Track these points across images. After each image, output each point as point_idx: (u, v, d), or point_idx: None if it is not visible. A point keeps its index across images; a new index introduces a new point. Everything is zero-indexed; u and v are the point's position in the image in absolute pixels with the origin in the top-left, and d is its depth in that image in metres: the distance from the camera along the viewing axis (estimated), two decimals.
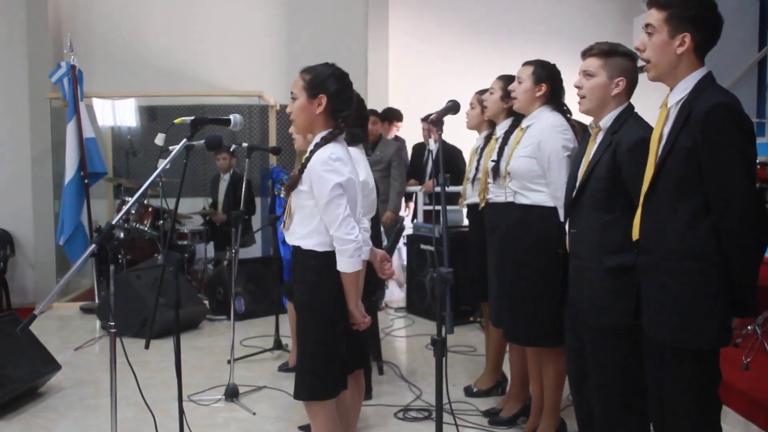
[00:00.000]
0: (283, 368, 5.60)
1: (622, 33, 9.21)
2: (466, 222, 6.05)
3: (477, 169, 4.78)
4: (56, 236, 7.82)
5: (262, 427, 4.49)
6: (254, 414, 4.68)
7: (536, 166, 3.86)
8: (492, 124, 4.80)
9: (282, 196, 7.53)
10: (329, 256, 3.03)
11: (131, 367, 3.48)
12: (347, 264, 3.00)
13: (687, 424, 2.77)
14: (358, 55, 9.25)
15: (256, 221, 8.78)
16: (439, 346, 2.81)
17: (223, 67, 9.18)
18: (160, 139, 5.24)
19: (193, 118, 3.04)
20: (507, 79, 4.40)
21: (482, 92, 4.82)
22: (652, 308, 2.82)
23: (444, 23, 9.60)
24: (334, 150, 3.03)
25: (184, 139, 2.99)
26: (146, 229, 7.95)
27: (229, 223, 8.37)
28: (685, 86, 2.76)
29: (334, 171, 2.97)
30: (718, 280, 2.66)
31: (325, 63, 3.15)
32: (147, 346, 4.12)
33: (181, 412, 3.97)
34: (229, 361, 5.76)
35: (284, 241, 7.62)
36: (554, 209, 3.83)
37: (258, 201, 8.88)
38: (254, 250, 8.80)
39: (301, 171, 3.05)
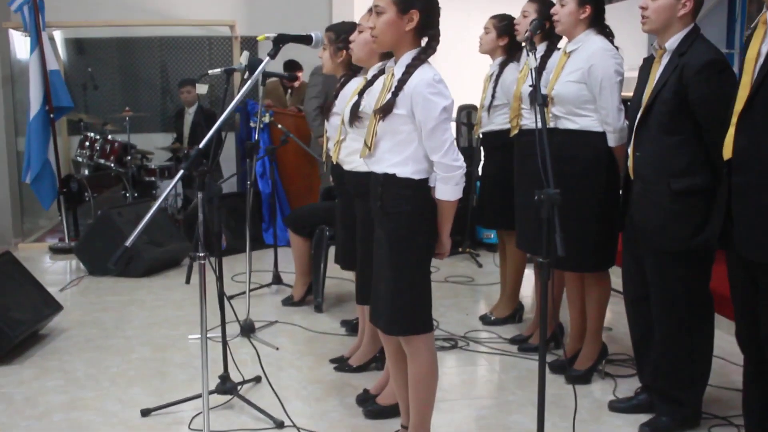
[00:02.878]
0: (288, 302, 5.49)
1: None
2: None
3: (493, 96, 4.71)
4: (21, 174, 7.41)
5: (290, 362, 4.39)
6: (277, 349, 4.57)
7: (585, 91, 3.80)
8: (506, 50, 4.73)
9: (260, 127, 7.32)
10: (424, 185, 2.90)
11: None
12: (451, 192, 2.87)
13: None
14: None
15: (229, 156, 8.52)
16: (546, 270, 2.76)
17: None
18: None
19: (276, 35, 2.84)
20: (541, 3, 4.31)
21: (497, 17, 4.73)
22: (746, 228, 2.81)
23: None
24: (434, 71, 2.87)
25: (267, 57, 2.80)
26: (112, 165, 7.63)
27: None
28: None
29: (440, 94, 2.80)
30: None
31: None
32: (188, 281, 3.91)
33: (225, 344, 3.81)
34: (231, 297, 5.65)
35: (262, 175, 7.51)
36: (603, 134, 3.79)
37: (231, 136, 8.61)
38: (225, 186, 8.56)
39: (395, 94, 2.87)
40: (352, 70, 3.90)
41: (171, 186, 2.74)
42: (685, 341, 3.39)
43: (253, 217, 7.44)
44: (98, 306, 5.51)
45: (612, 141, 3.79)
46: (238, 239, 7.17)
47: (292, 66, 8.28)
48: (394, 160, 2.90)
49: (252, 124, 7.39)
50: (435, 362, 3.07)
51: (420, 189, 2.90)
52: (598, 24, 3.89)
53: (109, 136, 7.67)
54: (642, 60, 3.58)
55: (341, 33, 3.86)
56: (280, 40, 2.86)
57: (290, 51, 8.55)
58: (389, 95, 2.89)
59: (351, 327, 4.87)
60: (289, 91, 8.45)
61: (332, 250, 5.33)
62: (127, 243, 2.57)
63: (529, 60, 2.87)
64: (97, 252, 6.28)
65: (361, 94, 3.24)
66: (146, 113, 8.33)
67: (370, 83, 3.24)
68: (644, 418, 3.55)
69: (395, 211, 2.92)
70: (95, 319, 5.21)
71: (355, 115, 3.21)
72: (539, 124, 2.83)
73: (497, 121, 4.72)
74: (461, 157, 2.87)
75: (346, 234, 3.98)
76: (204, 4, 8.75)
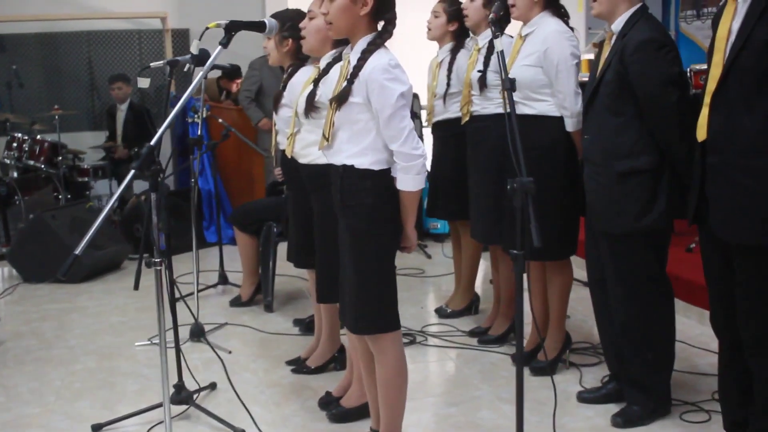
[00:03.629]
0: (236, 303, 5.30)
1: None
2: None
3: (448, 84, 4.59)
4: None
5: (245, 365, 4.22)
6: (230, 353, 4.39)
7: (542, 75, 3.71)
8: (456, 36, 4.62)
9: (197, 122, 7.09)
10: (385, 175, 2.77)
11: None
12: (413, 182, 2.74)
13: (763, 321, 2.75)
14: None
15: (163, 153, 8.22)
16: (520, 262, 2.65)
17: None
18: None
19: (228, 21, 2.67)
20: None
21: (446, 1, 4.61)
22: (722, 210, 2.74)
23: None
24: (390, 56, 2.74)
25: (219, 47, 2.63)
26: (42, 166, 7.29)
27: (131, 156, 7.87)
28: None
29: (396, 79, 2.68)
30: None
31: None
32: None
33: (178, 350, 3.63)
34: (178, 300, 5.43)
35: (201, 171, 7.28)
36: (560, 119, 3.71)
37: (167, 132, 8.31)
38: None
39: (351, 81, 2.74)
40: (300, 59, 3.73)
41: (123, 186, 2.53)
42: (643, 325, 3.34)
43: (197, 216, 7.23)
44: (36, 315, 5.24)
45: (570, 126, 3.71)
46: (179, 239, 6.95)
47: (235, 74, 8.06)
48: (353, 150, 2.78)
49: (189, 119, 7.15)
50: (403, 361, 2.96)
51: (380, 180, 2.78)
52: (553, 5, 3.80)
53: (38, 136, 7.32)
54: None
55: (287, 21, 3.68)
56: (232, 28, 2.70)
57: (231, 48, 8.38)
58: (345, 83, 2.76)
59: (305, 326, 4.72)
60: (225, 92, 8.21)
61: (281, 247, 5.18)
62: (77, 251, 2.38)
63: (496, 43, 2.75)
64: (31, 258, 6.00)
65: (316, 83, 3.09)
66: (75, 111, 7.99)
67: (325, 71, 3.08)
68: (614, 407, 3.49)
69: (355, 204, 2.79)
70: (34, 329, 4.95)
71: (311, 104, 3.06)
72: (509, 110, 2.70)
73: (453, 109, 4.59)
74: (422, 146, 2.75)
75: (299, 230, 3.81)
76: None
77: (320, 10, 3.10)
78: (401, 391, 2.98)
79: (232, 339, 4.64)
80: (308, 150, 3.32)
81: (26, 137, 7.26)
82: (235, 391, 3.43)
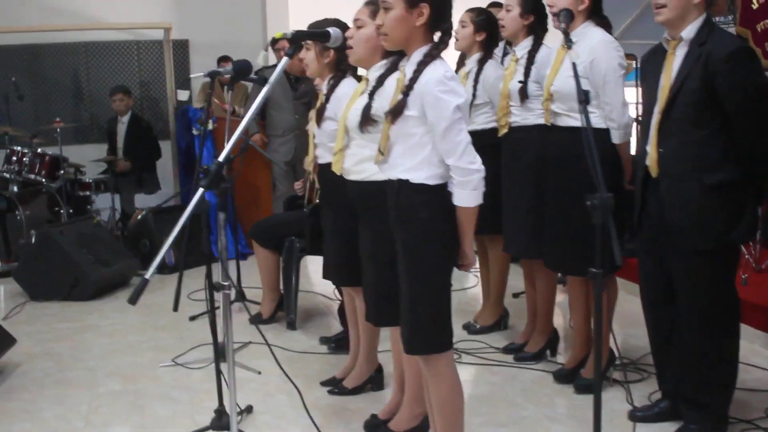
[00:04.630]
0: (258, 321, 5.15)
1: None
2: None
3: (474, 95, 4.48)
4: None
5: (278, 387, 4.07)
6: (260, 373, 4.25)
7: (587, 86, 3.61)
8: (484, 46, 4.52)
9: (203, 130, 6.94)
10: (441, 190, 2.68)
11: None
12: (470, 197, 2.64)
13: None
14: None
15: (164, 166, 8.08)
16: (600, 281, 2.55)
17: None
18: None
19: (293, 32, 2.55)
20: None
21: (473, 10, 4.51)
22: None
23: None
24: (446, 67, 2.66)
25: (285, 58, 2.50)
26: (43, 180, 7.11)
27: (133, 170, 7.72)
28: None
29: (452, 91, 2.59)
30: None
31: None
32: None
33: (219, 372, 3.47)
34: (193, 318, 5.30)
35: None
36: (606, 131, 3.62)
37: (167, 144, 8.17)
38: (161, 198, 8.14)
39: (406, 94, 2.65)
40: (342, 71, 3.61)
41: (192, 204, 2.39)
42: (715, 344, 3.24)
43: (203, 230, 7.06)
44: (48, 335, 5.07)
45: (616, 138, 3.64)
46: (187, 254, 6.79)
47: (228, 61, 7.95)
48: (408, 165, 2.69)
49: (195, 132, 7.00)
50: (458, 381, 2.86)
51: (436, 195, 2.68)
52: (596, 14, 3.72)
53: (39, 150, 7.14)
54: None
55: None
56: (298, 38, 2.57)
57: (222, 49, 8.25)
58: (400, 96, 2.66)
59: (334, 344, 4.58)
60: (225, 87, 8.09)
61: (305, 263, 5.07)
62: (147, 275, 2.23)
63: (571, 54, 2.67)
64: (39, 275, 5.83)
65: (371, 95, 2.97)
66: (74, 124, 7.82)
67: (379, 83, 2.97)
68: (669, 426, 3.41)
69: (410, 219, 2.70)
70: (48, 349, 4.78)
71: (367, 118, 2.94)
72: (584, 124, 2.60)
73: (479, 121, 4.48)
74: (479, 159, 2.65)
75: (341, 248, 3.66)
76: (132, 7, 8.29)
77: (374, 20, 2.99)
78: (458, 410, 2.87)
79: (259, 359, 4.49)
80: (361, 166, 3.16)
81: (26, 150, 7.08)
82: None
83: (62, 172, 7.09)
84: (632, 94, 5.05)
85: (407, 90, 2.64)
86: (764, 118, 3.03)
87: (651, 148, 3.25)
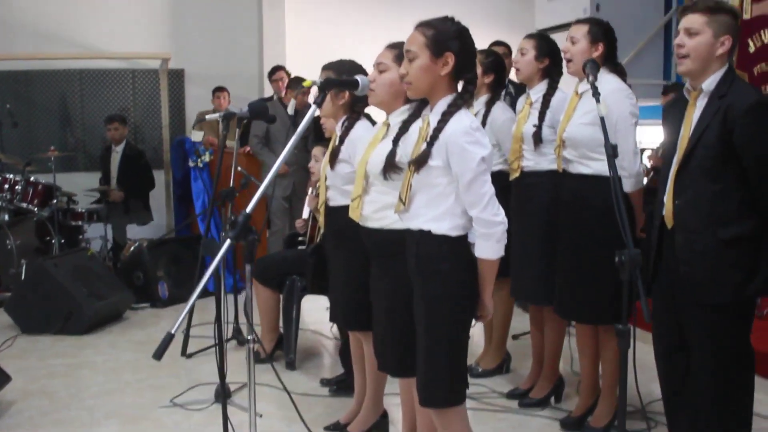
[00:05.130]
0: (255, 360, 5.03)
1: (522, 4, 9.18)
2: None
3: None
4: None
5: (281, 431, 4.00)
6: (261, 416, 4.16)
7: (600, 134, 3.59)
8: (492, 88, 4.50)
9: (197, 166, 6.92)
10: (463, 241, 2.67)
11: None
12: (492, 249, 2.62)
13: None
14: (252, 12, 8.68)
15: (156, 196, 8.01)
16: (626, 338, 2.52)
17: (102, 28, 8.25)
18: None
19: (323, 80, 2.52)
20: (539, 38, 4.13)
21: (481, 52, 4.47)
22: None
23: None
24: (472, 118, 2.64)
25: (314, 106, 2.48)
26: (35, 209, 7.01)
27: (126, 200, 7.63)
28: None
29: (478, 143, 2.58)
30: None
31: (444, 16, 2.72)
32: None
33: (225, 417, 3.39)
34: (189, 356, 5.21)
35: (200, 215, 7.06)
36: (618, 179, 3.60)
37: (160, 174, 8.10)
38: (153, 229, 8.07)
39: (430, 144, 2.62)
40: (356, 113, 3.58)
41: (220, 256, 2.33)
42: (729, 396, 3.20)
43: (195, 264, 6.99)
44: (43, 371, 4.96)
45: (628, 186, 3.63)
46: (180, 288, 6.72)
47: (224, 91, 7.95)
48: (430, 215, 2.67)
49: (191, 164, 6.95)
50: None
51: (458, 246, 2.67)
52: (610, 62, 3.72)
53: (32, 178, 7.05)
54: (662, 101, 3.42)
55: (343, 72, 3.52)
56: (327, 86, 2.56)
57: (217, 79, 8.23)
58: (424, 145, 2.64)
59: (336, 386, 4.52)
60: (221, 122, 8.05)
61: (307, 303, 5.00)
62: (172, 330, 2.17)
63: (599, 107, 2.65)
64: (31, 307, 5.73)
65: (395, 141, 2.94)
66: (70, 153, 7.76)
67: (404, 129, 2.93)
68: None
69: (431, 270, 2.68)
70: (43, 386, 4.68)
71: (392, 164, 2.90)
72: (612, 178, 2.59)
73: None
74: (502, 212, 2.64)
75: (351, 292, 3.60)
76: (129, 36, 8.26)
77: (397, 64, 2.97)
78: None
79: (258, 400, 4.38)
80: (382, 213, 3.08)
81: (19, 178, 6.99)
82: None
83: (55, 201, 6.99)
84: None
85: (432, 140, 2.63)
86: None
87: (667, 200, 3.23)
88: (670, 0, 8.05)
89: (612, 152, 2.61)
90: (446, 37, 2.65)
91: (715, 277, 3.09)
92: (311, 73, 7.27)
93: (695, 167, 3.11)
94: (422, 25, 2.69)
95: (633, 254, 2.47)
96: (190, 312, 3.63)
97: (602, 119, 2.68)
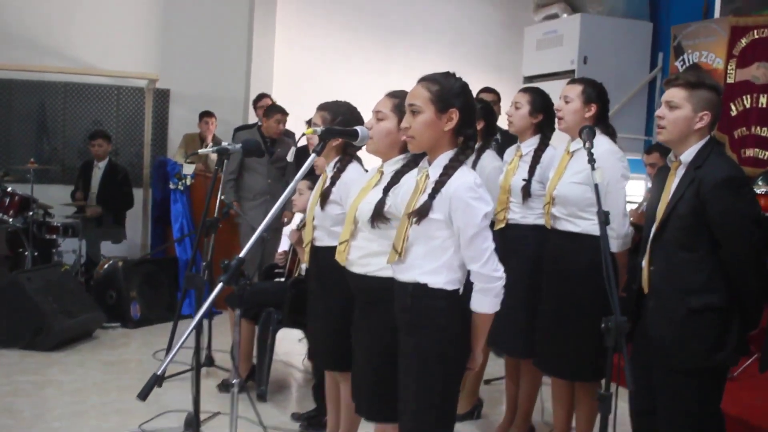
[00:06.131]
0: (226, 389, 5.03)
1: (511, 43, 9.27)
2: None
3: None
4: None
5: None
6: None
7: (590, 194, 3.63)
8: (482, 136, 4.53)
9: (178, 188, 6.90)
10: (458, 295, 2.69)
11: None
12: (489, 304, 2.66)
13: None
14: (242, 37, 8.71)
15: (132, 215, 7.95)
16: (608, 403, 2.54)
17: (91, 43, 8.23)
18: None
19: (323, 129, 2.55)
20: (534, 93, 4.17)
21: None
22: None
23: (331, 16, 9.16)
24: (474, 175, 2.67)
25: (313, 155, 2.50)
26: (10, 221, 6.93)
27: (103, 217, 7.57)
28: None
29: (481, 199, 2.61)
30: None
31: (447, 72, 2.75)
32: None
33: None
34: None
35: (179, 241, 7.03)
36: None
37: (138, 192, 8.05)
38: (127, 248, 8.01)
39: (432, 197, 2.64)
40: (349, 155, 3.60)
41: (210, 299, 2.32)
42: None
43: (169, 287, 6.95)
44: (7, 388, 4.89)
45: (615, 246, 3.67)
46: (153, 309, 6.68)
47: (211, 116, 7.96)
48: (427, 267, 2.68)
49: (172, 186, 6.93)
50: None
51: (453, 300, 2.69)
52: (602, 123, 3.78)
53: (9, 188, 6.98)
54: (645, 159, 3.48)
55: (338, 114, 3.55)
56: (327, 135, 2.58)
57: (202, 101, 8.24)
58: (425, 198, 2.66)
59: (306, 422, 4.49)
60: (203, 141, 8.05)
61: (280, 333, 4.98)
62: (159, 372, 2.16)
63: (594, 174, 2.69)
64: (3, 320, 5.64)
65: (386, 191, 2.95)
66: (50, 166, 7.69)
67: (395, 179, 2.96)
68: None
69: (426, 324, 2.69)
70: (7, 405, 4.60)
71: (379, 214, 2.92)
72: (603, 243, 2.62)
73: None
74: (501, 267, 2.67)
75: (333, 332, 3.57)
76: (116, 53, 8.24)
77: (395, 114, 3.01)
78: None
79: (225, 429, 4.38)
80: (366, 260, 3.08)
81: None
82: None
83: (31, 213, 6.92)
84: None
85: (434, 193, 2.64)
86: (751, 248, 3.05)
87: (645, 265, 3.28)
88: (656, 58, 8.21)
89: (604, 219, 2.64)
90: (451, 93, 2.68)
91: (683, 343, 3.13)
92: (297, 101, 7.34)
93: (669, 236, 3.18)
94: (426, 80, 2.72)
95: (620, 321, 2.49)
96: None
97: (596, 186, 2.73)
